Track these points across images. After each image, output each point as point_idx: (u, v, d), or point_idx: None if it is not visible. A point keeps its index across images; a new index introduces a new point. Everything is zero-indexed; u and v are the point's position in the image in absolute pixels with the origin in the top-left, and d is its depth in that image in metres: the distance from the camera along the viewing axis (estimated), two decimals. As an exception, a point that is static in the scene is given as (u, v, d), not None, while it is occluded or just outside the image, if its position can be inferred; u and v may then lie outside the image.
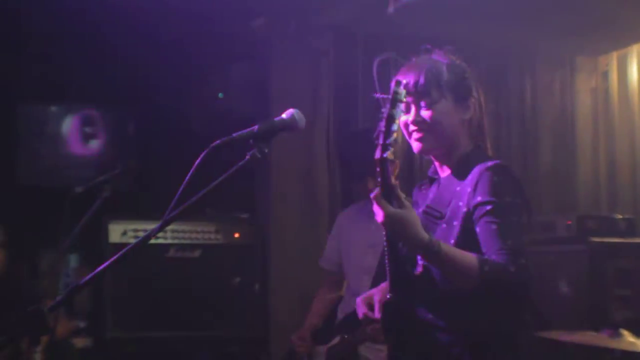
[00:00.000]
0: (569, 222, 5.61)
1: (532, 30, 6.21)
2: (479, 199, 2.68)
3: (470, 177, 2.75)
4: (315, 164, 6.21)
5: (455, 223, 2.73)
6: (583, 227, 5.58)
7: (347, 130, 6.11)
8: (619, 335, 4.00)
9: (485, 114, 2.93)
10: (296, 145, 6.05)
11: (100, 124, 6.52)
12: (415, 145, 2.86)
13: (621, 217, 5.79)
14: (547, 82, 6.90)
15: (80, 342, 5.62)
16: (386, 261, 2.73)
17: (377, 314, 2.86)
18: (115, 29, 5.79)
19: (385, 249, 2.72)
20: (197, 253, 5.80)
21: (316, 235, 5.94)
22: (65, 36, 5.94)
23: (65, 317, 5.20)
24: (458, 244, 2.67)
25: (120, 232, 5.68)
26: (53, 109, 6.48)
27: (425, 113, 2.81)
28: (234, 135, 2.53)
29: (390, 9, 5.50)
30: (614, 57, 6.78)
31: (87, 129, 6.49)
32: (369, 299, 2.92)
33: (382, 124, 2.59)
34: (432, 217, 2.81)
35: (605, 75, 6.88)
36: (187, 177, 2.47)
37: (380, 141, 2.58)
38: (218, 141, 2.51)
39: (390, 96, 2.61)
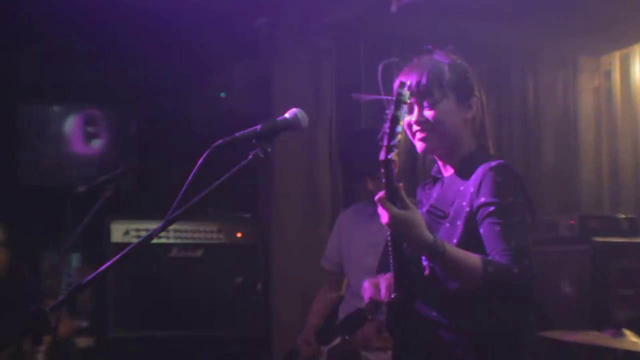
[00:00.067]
0: (572, 222, 5.61)
1: (534, 29, 6.21)
2: (482, 199, 2.68)
3: (473, 176, 2.75)
4: (318, 163, 6.21)
5: (458, 223, 2.73)
6: (586, 227, 5.57)
7: (349, 130, 6.11)
8: (622, 335, 4.00)
9: (487, 113, 2.94)
10: (299, 145, 6.05)
11: (102, 123, 6.52)
12: (419, 145, 2.86)
13: (624, 216, 5.79)
14: (549, 82, 6.90)
15: (82, 342, 5.61)
16: (390, 261, 2.73)
17: (383, 296, 2.86)
18: (117, 28, 5.79)
19: (390, 249, 2.72)
20: (199, 253, 5.80)
21: (318, 234, 5.94)
22: (67, 36, 5.94)
23: (67, 316, 5.20)
24: (461, 244, 2.68)
25: (122, 231, 5.68)
26: (55, 108, 6.47)
27: (428, 113, 2.82)
28: (237, 134, 2.53)
29: (393, 8, 5.49)
30: (616, 56, 6.78)
31: (89, 129, 6.49)
32: (376, 283, 2.93)
33: (387, 125, 2.58)
34: (436, 216, 2.81)
35: (608, 74, 6.88)
36: (190, 177, 2.47)
37: (385, 142, 2.58)
38: (220, 141, 2.51)
39: (394, 97, 2.61)
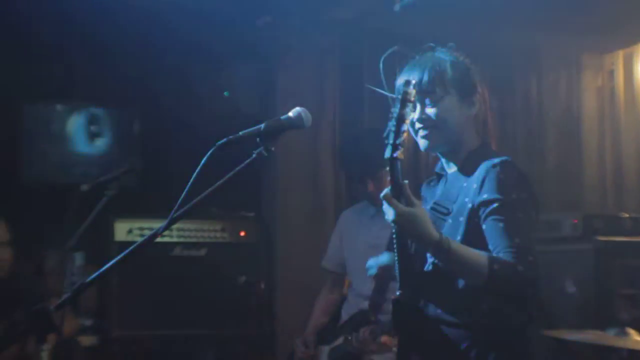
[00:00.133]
0: (575, 221, 5.60)
1: (538, 28, 6.21)
2: (485, 196, 2.68)
3: (476, 173, 2.76)
4: (321, 162, 6.21)
5: (461, 219, 2.74)
6: (589, 226, 5.56)
7: (351, 129, 6.10)
8: (625, 334, 4.00)
9: (489, 110, 2.94)
10: (302, 144, 6.06)
11: (106, 122, 6.52)
12: (422, 143, 2.86)
13: (627, 216, 5.77)
14: (553, 81, 6.89)
15: (86, 341, 5.62)
16: (395, 258, 2.74)
17: None
18: (120, 28, 5.79)
19: (395, 246, 2.72)
20: (202, 251, 5.81)
21: (322, 233, 5.93)
22: (71, 36, 5.94)
23: (71, 315, 5.21)
24: (464, 240, 2.69)
25: (125, 230, 5.69)
26: (59, 107, 6.47)
27: (430, 110, 2.82)
28: (240, 133, 2.54)
29: (396, 6, 5.49)
30: (620, 55, 6.77)
31: (93, 128, 6.49)
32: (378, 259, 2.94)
33: (392, 123, 2.59)
34: (440, 213, 2.82)
35: (611, 73, 6.87)
36: (194, 176, 2.47)
37: (391, 141, 2.58)
38: (224, 139, 2.51)
39: (399, 96, 2.61)
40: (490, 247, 2.64)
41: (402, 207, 2.56)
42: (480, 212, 2.69)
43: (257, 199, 6.31)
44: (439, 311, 2.79)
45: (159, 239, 2.56)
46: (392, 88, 2.85)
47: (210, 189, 2.52)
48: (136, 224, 5.69)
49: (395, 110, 2.60)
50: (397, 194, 2.58)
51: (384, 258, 2.94)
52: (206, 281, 5.72)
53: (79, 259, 5.68)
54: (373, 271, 2.98)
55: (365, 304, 4.48)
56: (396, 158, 2.58)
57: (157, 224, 2.54)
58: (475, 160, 2.80)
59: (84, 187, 4.46)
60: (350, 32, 6.29)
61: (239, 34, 6.09)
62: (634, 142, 6.63)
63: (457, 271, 2.67)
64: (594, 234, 5.47)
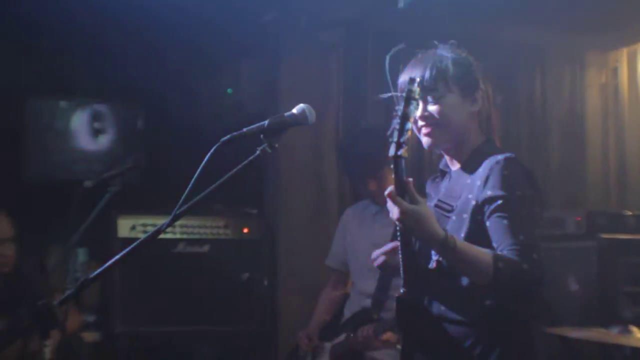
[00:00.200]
0: (579, 219, 5.59)
1: (542, 26, 6.20)
2: (489, 193, 2.68)
3: (480, 170, 2.75)
4: (324, 159, 6.21)
5: (465, 216, 2.74)
6: (592, 223, 5.55)
7: (352, 128, 6.10)
8: (629, 331, 4.00)
9: (493, 107, 2.94)
10: (305, 141, 6.05)
11: (109, 119, 6.52)
12: (425, 141, 2.86)
13: (631, 213, 5.77)
14: (556, 78, 6.88)
15: (89, 337, 5.63)
16: (400, 256, 2.73)
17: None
18: (124, 25, 5.79)
19: (399, 244, 2.72)
20: (205, 248, 5.81)
21: (325, 231, 5.93)
22: (74, 32, 5.94)
23: (75, 311, 5.21)
24: (468, 237, 2.69)
25: (129, 226, 5.69)
26: (62, 104, 6.48)
27: (432, 108, 2.82)
28: (244, 130, 2.53)
29: (401, 3, 5.48)
30: (624, 53, 6.76)
31: (96, 124, 6.49)
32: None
33: (396, 122, 2.58)
34: (443, 210, 2.82)
35: (615, 71, 6.86)
36: (198, 172, 2.47)
37: (395, 139, 2.57)
38: (228, 136, 2.51)
39: (404, 94, 2.61)
40: (495, 244, 2.64)
41: (407, 205, 2.55)
42: (485, 209, 2.69)
43: (260, 196, 6.31)
44: (442, 308, 2.79)
45: (162, 236, 2.57)
46: (395, 86, 2.85)
47: (213, 186, 2.52)
48: (139, 221, 5.70)
49: (400, 108, 2.59)
50: (402, 192, 2.57)
51: (388, 246, 2.94)
52: (209, 278, 5.72)
53: (82, 255, 5.70)
54: (380, 260, 2.97)
55: (367, 302, 4.49)
56: (400, 156, 2.57)
57: (161, 221, 2.54)
58: (479, 157, 2.80)
59: (87, 184, 4.46)
60: (354, 29, 6.28)
61: (243, 32, 6.09)
62: (638, 140, 6.62)
63: (461, 269, 2.66)
64: (598, 232, 5.46)
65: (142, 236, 2.54)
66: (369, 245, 4.60)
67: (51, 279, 5.43)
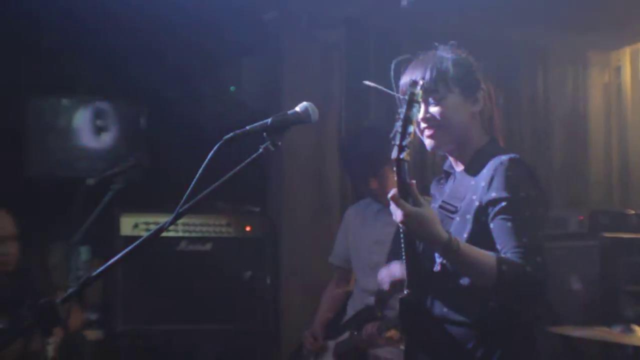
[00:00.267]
0: (581, 218, 5.59)
1: (544, 25, 6.20)
2: (493, 194, 2.67)
3: (484, 170, 2.75)
4: (327, 157, 6.21)
5: (468, 217, 2.73)
6: (595, 222, 5.55)
7: (355, 126, 6.10)
8: (631, 331, 3.99)
9: (495, 106, 2.93)
10: (308, 139, 6.05)
11: (112, 116, 6.52)
12: (428, 143, 2.85)
13: (633, 212, 5.77)
14: (559, 78, 6.88)
15: (91, 335, 5.63)
16: (403, 257, 2.73)
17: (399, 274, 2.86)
18: (126, 22, 5.79)
19: (402, 245, 2.72)
20: (208, 246, 5.81)
21: (327, 229, 5.94)
22: (76, 30, 5.94)
23: (77, 309, 5.22)
24: (471, 238, 2.68)
25: (131, 224, 5.69)
26: (64, 102, 6.48)
27: (434, 109, 2.82)
28: (247, 128, 2.53)
29: (403, 1, 5.48)
30: (626, 52, 6.76)
31: (99, 122, 6.49)
32: (390, 270, 2.94)
33: (399, 124, 2.57)
34: (447, 211, 2.81)
35: (618, 70, 6.86)
36: (200, 171, 2.47)
37: (397, 142, 2.56)
38: (231, 134, 2.51)
39: (405, 97, 2.60)
40: (498, 246, 2.64)
41: (410, 207, 2.54)
42: (489, 210, 2.68)
43: (263, 194, 6.31)
44: (445, 310, 2.78)
45: (164, 234, 2.56)
46: (397, 87, 2.85)
47: (216, 184, 2.51)
48: (142, 219, 5.70)
49: (402, 111, 2.59)
50: (405, 195, 2.56)
51: (396, 270, 2.93)
52: (211, 276, 5.72)
53: (84, 253, 5.70)
54: (386, 287, 2.97)
55: (370, 300, 4.49)
56: (403, 159, 2.56)
57: (163, 219, 2.54)
58: (483, 157, 2.79)
59: (90, 182, 4.46)
60: (357, 27, 6.28)
61: (245, 30, 6.09)
62: (641, 139, 6.63)
63: (465, 272, 2.66)
64: (600, 231, 5.46)
65: (145, 234, 2.54)
66: (371, 243, 4.62)
67: (54, 277, 5.44)
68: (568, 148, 6.85)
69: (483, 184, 2.71)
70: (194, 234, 5.77)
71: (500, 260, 2.56)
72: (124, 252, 2.51)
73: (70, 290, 2.53)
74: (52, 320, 2.47)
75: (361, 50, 6.25)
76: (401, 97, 2.68)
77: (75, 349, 5.17)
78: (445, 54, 2.89)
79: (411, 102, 2.58)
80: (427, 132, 2.83)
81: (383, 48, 6.16)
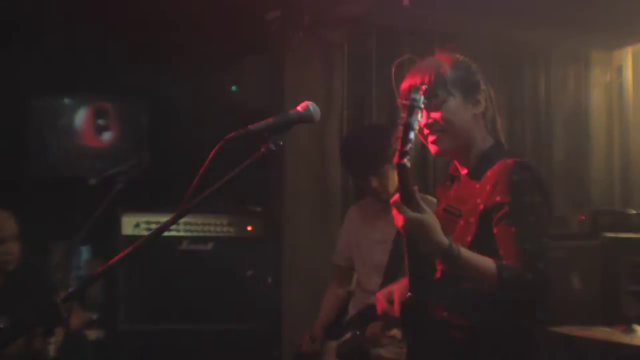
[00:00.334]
0: (583, 218, 5.59)
1: (546, 24, 6.19)
2: (497, 198, 2.67)
3: (489, 174, 2.74)
4: (328, 157, 6.20)
5: (472, 220, 2.72)
6: (596, 222, 5.55)
7: (357, 125, 6.10)
8: (632, 331, 3.99)
9: (497, 107, 2.93)
10: (309, 138, 6.05)
11: (113, 116, 6.53)
12: (432, 148, 2.85)
13: (635, 212, 5.76)
14: (561, 77, 6.88)
15: (92, 334, 5.63)
16: (405, 260, 2.73)
17: (396, 311, 2.85)
18: (128, 22, 5.79)
19: (404, 248, 2.71)
20: (209, 246, 5.81)
21: (329, 228, 5.94)
22: (78, 29, 5.94)
23: (79, 308, 5.21)
24: (475, 242, 2.68)
25: (133, 224, 5.69)
26: (66, 101, 6.48)
27: (435, 114, 2.81)
28: (250, 127, 2.53)
29: (406, 1, 5.48)
30: (628, 51, 6.76)
31: (100, 121, 6.50)
32: (389, 295, 2.92)
33: (400, 130, 2.57)
34: (451, 214, 2.81)
35: (620, 70, 6.86)
36: (202, 170, 2.46)
37: (399, 147, 2.56)
38: (233, 133, 2.51)
39: (407, 102, 2.59)
40: (501, 251, 2.64)
41: (411, 213, 2.53)
42: (492, 215, 2.68)
43: (264, 194, 6.31)
44: (447, 313, 2.78)
45: (166, 233, 2.56)
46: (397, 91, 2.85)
47: (218, 184, 2.51)
48: (143, 218, 5.70)
49: (403, 116, 2.58)
50: (406, 200, 2.55)
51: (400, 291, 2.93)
52: (213, 275, 5.72)
53: (86, 252, 5.71)
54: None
55: (372, 299, 4.47)
56: (404, 165, 2.55)
57: (164, 218, 2.54)
58: (488, 161, 2.79)
59: (92, 181, 4.47)
60: (359, 26, 6.28)
61: (247, 29, 6.08)
62: (642, 138, 6.62)
63: (465, 278, 2.66)
64: (601, 231, 5.46)
65: (146, 234, 2.53)
66: (373, 242, 4.62)
67: (55, 276, 5.44)
68: (569, 147, 6.84)
69: (488, 187, 2.71)
70: (195, 234, 5.77)
71: (501, 268, 2.56)
72: (125, 251, 2.50)
73: (71, 290, 2.53)
74: (53, 319, 2.47)
75: (363, 50, 6.25)
76: (405, 102, 2.68)
77: (76, 349, 5.17)
78: (443, 58, 2.89)
79: (412, 108, 2.57)
80: (430, 138, 2.84)
81: (385, 47, 6.16)
